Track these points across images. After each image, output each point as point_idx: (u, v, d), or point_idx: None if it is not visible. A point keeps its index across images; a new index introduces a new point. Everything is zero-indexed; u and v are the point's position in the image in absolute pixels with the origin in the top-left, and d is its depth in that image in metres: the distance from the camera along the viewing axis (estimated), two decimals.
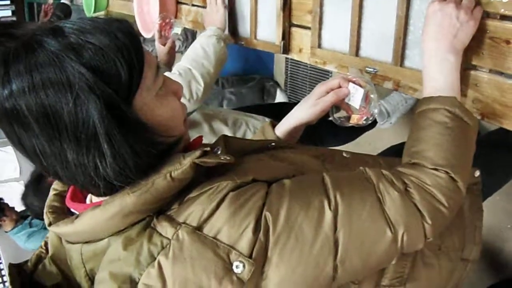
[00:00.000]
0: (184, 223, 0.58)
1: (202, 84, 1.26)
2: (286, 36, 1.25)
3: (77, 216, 0.61)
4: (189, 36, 3.16)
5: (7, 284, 0.65)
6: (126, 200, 0.57)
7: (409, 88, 0.97)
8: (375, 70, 1.02)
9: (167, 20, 1.50)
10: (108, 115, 0.53)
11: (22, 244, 3.03)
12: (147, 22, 1.75)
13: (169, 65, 1.53)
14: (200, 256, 0.56)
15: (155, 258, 0.56)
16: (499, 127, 0.86)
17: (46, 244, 0.69)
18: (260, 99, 2.98)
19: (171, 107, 0.63)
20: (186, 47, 3.07)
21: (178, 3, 1.69)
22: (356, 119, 0.92)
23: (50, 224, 0.65)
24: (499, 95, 0.84)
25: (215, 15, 1.38)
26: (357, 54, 1.06)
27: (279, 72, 3.03)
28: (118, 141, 0.55)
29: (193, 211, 0.58)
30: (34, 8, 4.72)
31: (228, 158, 0.62)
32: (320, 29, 1.14)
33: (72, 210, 0.66)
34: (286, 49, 1.26)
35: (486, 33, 0.82)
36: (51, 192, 0.71)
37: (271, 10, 1.26)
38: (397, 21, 0.95)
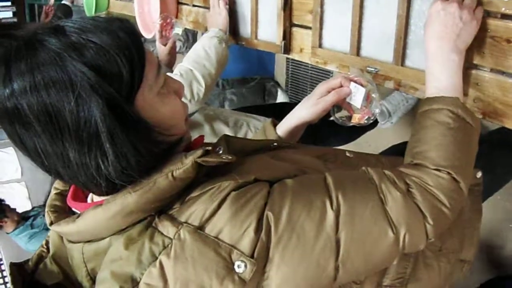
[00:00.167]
0: (185, 222, 0.57)
1: (203, 85, 1.26)
2: (287, 36, 1.25)
3: (79, 215, 0.61)
4: (190, 36, 3.16)
5: (9, 283, 0.65)
6: (128, 199, 0.57)
7: (410, 87, 0.97)
8: (376, 70, 1.02)
9: (168, 21, 1.50)
10: (110, 114, 0.53)
11: (24, 246, 3.02)
12: (148, 23, 1.74)
13: (170, 65, 1.53)
14: (202, 255, 0.56)
15: (157, 258, 0.56)
16: (500, 126, 0.86)
17: (47, 243, 0.69)
18: (261, 99, 2.98)
19: (173, 105, 0.63)
20: (187, 48, 3.07)
21: (179, 3, 1.69)
22: (357, 119, 0.92)
23: (51, 223, 0.65)
24: (500, 94, 0.84)
25: (218, 17, 1.39)
26: (358, 53, 1.06)
27: (280, 72, 3.03)
28: (120, 140, 0.55)
29: (194, 211, 0.58)
30: (35, 9, 4.73)
31: (230, 157, 0.62)
32: (321, 29, 1.14)
33: (74, 209, 0.66)
34: (287, 49, 1.26)
35: (487, 32, 0.82)
36: (52, 191, 0.70)
37: (272, 10, 1.26)
38: (398, 21, 0.95)
